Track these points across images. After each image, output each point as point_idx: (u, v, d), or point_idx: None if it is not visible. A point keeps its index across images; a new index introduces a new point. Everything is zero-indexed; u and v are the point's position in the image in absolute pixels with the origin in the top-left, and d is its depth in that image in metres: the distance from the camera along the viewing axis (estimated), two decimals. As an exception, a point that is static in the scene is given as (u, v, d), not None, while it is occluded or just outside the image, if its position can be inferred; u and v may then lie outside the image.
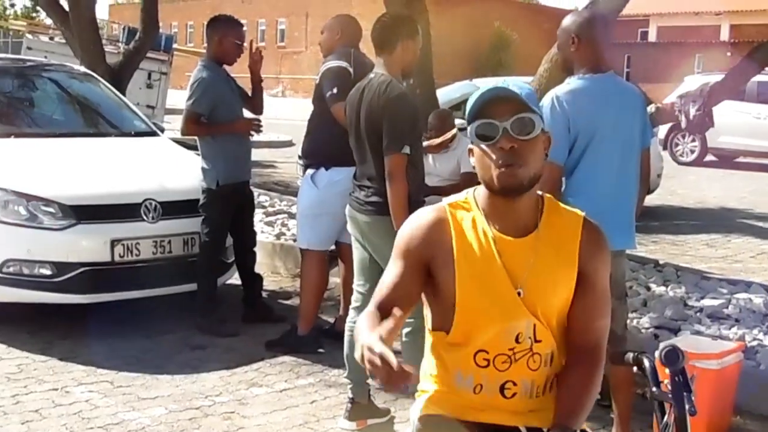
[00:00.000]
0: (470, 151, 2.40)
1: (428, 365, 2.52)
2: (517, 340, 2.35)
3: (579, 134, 3.98)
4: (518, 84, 2.36)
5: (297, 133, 6.91)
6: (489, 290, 2.34)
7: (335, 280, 6.37)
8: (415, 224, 2.43)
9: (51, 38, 16.12)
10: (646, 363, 2.46)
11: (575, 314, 2.41)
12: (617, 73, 4.33)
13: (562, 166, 3.96)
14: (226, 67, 6.09)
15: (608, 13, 6.99)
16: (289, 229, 8.64)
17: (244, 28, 6.55)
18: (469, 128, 2.34)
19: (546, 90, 7.52)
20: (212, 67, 5.98)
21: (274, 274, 7.62)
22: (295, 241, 8.20)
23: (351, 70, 5.41)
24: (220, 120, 5.96)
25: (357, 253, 4.65)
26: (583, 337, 2.41)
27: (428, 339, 2.51)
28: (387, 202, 4.31)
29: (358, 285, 4.65)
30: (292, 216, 9.38)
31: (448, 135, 5.91)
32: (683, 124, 8.12)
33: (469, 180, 7.33)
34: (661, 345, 2.45)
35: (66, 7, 11.08)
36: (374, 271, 4.56)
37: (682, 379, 2.37)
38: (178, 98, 22.13)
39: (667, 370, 2.41)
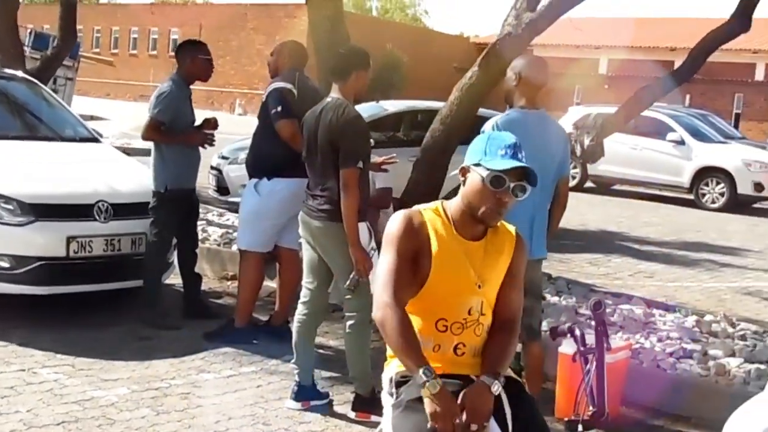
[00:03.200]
0: (463, 171, 3.14)
1: None
2: (469, 313, 3.15)
3: None
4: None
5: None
6: (457, 279, 3.13)
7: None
8: (403, 224, 3.14)
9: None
10: (577, 331, 3.23)
11: (504, 292, 3.24)
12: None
13: None
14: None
15: (516, 48, 7.83)
16: (210, 235, 9.15)
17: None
18: (485, 168, 3.08)
19: (457, 117, 8.36)
20: (180, 84, 6.57)
21: (202, 276, 8.13)
22: (218, 245, 8.79)
23: (295, 91, 6.04)
24: (177, 131, 6.51)
25: (307, 255, 5.27)
26: (506, 308, 3.24)
27: None
28: (338, 210, 4.94)
29: (307, 282, 5.27)
30: (210, 223, 9.91)
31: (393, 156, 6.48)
32: (578, 153, 9.07)
33: (384, 194, 8.03)
34: (591, 299, 3.24)
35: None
36: (323, 271, 5.21)
37: (603, 329, 3.14)
38: (82, 104, 21.96)
39: (592, 322, 3.18)
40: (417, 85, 35.58)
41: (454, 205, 3.20)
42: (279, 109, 6.00)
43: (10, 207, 6.16)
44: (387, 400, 3.16)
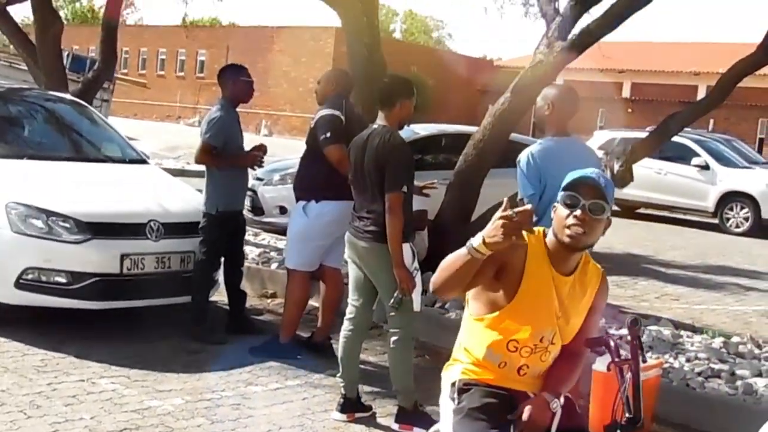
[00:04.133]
0: (554, 208, 3.28)
1: (464, 340, 3.43)
2: (540, 341, 3.32)
3: (547, 184, 5.00)
4: (603, 175, 3.26)
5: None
6: (540, 308, 3.28)
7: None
8: None
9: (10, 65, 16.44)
10: (612, 343, 3.47)
11: (582, 328, 3.41)
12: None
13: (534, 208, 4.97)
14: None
15: (548, 76, 8.12)
16: (248, 254, 9.42)
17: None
18: (560, 194, 3.23)
19: (489, 141, 8.63)
20: (228, 108, 6.88)
21: (244, 293, 8.41)
22: (257, 264, 9.08)
23: (343, 117, 6.33)
24: (228, 154, 6.82)
25: (353, 273, 5.54)
26: (578, 340, 3.42)
27: (470, 324, 3.39)
28: (383, 231, 5.21)
29: (353, 299, 5.54)
30: (247, 243, 10.17)
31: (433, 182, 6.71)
32: (609, 178, 9.28)
33: (419, 216, 8.25)
34: (628, 317, 3.48)
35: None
36: (368, 288, 5.49)
37: (639, 343, 3.38)
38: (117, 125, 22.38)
39: (628, 337, 3.41)
40: (442, 108, 35.84)
41: (549, 237, 3.29)
42: (328, 135, 6.27)
43: (67, 225, 6.46)
44: (447, 404, 3.37)
